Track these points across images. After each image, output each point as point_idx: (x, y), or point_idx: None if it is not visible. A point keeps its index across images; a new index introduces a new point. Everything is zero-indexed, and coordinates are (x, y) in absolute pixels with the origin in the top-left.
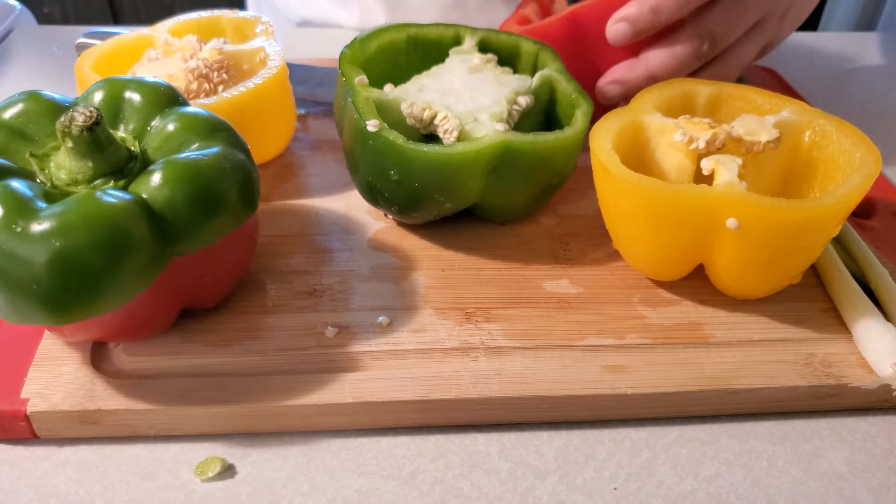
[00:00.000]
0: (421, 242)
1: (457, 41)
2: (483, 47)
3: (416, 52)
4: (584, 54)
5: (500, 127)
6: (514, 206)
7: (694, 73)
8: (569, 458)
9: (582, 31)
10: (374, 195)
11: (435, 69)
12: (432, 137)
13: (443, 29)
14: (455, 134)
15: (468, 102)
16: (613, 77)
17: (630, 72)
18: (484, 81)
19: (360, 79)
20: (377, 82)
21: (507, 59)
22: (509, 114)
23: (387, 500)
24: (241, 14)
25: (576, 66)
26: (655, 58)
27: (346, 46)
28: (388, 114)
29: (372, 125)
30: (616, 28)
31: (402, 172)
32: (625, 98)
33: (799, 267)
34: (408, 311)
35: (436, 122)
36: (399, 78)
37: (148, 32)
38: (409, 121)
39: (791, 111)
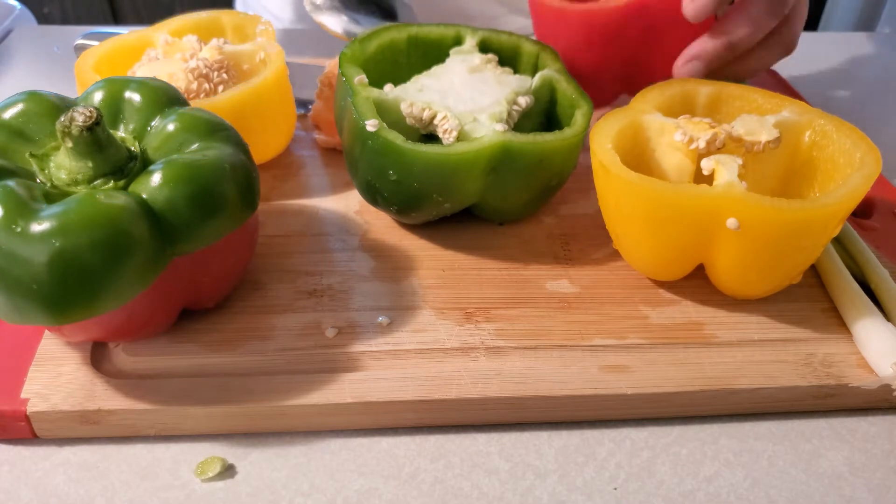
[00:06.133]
0: (421, 242)
1: (457, 41)
2: (484, 47)
3: (417, 51)
4: (645, 42)
5: (500, 127)
6: (513, 206)
7: (762, 41)
8: (569, 458)
9: (646, 19)
10: (373, 195)
11: (435, 69)
12: (432, 137)
13: (443, 29)
14: (454, 134)
15: (468, 102)
16: (691, 54)
17: (707, 45)
18: (484, 81)
19: (360, 78)
20: (377, 82)
21: (508, 59)
22: (509, 114)
23: (387, 500)
24: (241, 14)
25: (633, 53)
26: (732, 24)
27: (347, 46)
28: (388, 114)
29: (371, 125)
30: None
31: (401, 172)
32: (705, 75)
33: (799, 267)
34: (408, 311)
35: (435, 122)
36: (399, 78)
37: (148, 32)
38: (409, 121)
39: (791, 111)
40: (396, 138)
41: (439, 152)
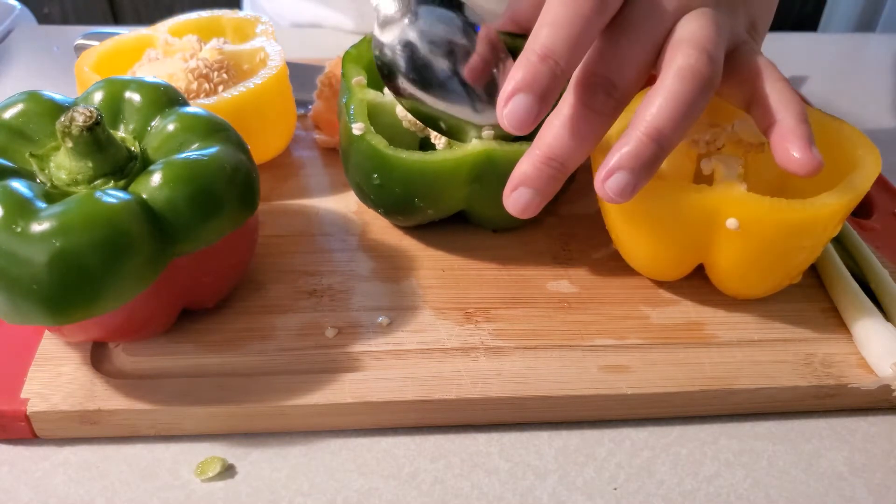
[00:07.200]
0: (421, 243)
1: None
2: None
3: None
4: None
5: (486, 134)
6: (501, 215)
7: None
8: (569, 458)
9: None
10: (363, 196)
11: None
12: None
13: None
14: (443, 140)
15: None
16: (612, 165)
17: (629, 147)
18: None
19: (358, 80)
20: None
21: None
22: None
23: (387, 500)
24: (240, 14)
25: None
26: (653, 108)
27: (353, 45)
28: (385, 116)
29: (357, 128)
30: (613, 183)
31: (384, 177)
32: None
33: (799, 267)
34: (408, 311)
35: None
36: None
37: (148, 32)
38: (405, 123)
39: None
40: (379, 143)
41: (418, 160)
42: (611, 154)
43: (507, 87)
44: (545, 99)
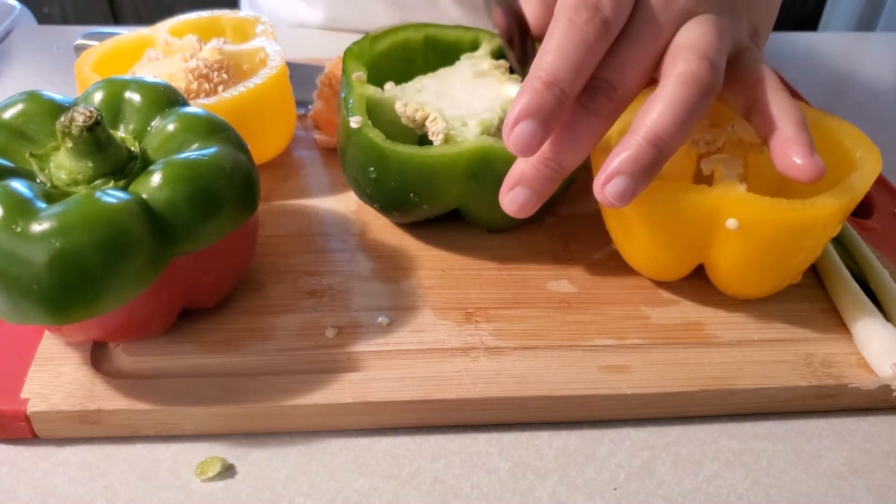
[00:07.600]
0: (421, 242)
1: (475, 45)
2: (501, 53)
3: (435, 53)
4: None
5: (481, 132)
6: (496, 215)
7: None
8: (569, 458)
9: None
10: (359, 191)
11: (441, 71)
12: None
13: (462, 32)
14: (441, 136)
15: (462, 107)
16: (612, 170)
17: (628, 152)
18: (485, 87)
19: (358, 75)
20: (389, 80)
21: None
22: (501, 121)
23: (387, 500)
24: (240, 14)
25: None
26: (653, 114)
27: (355, 42)
28: (385, 112)
29: (355, 121)
30: (613, 187)
31: (380, 171)
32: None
33: (799, 267)
34: (408, 311)
35: (427, 123)
36: (414, 77)
37: (148, 32)
38: (403, 120)
39: None
40: (377, 136)
41: (414, 153)
42: (610, 158)
43: (512, 112)
44: (549, 124)
